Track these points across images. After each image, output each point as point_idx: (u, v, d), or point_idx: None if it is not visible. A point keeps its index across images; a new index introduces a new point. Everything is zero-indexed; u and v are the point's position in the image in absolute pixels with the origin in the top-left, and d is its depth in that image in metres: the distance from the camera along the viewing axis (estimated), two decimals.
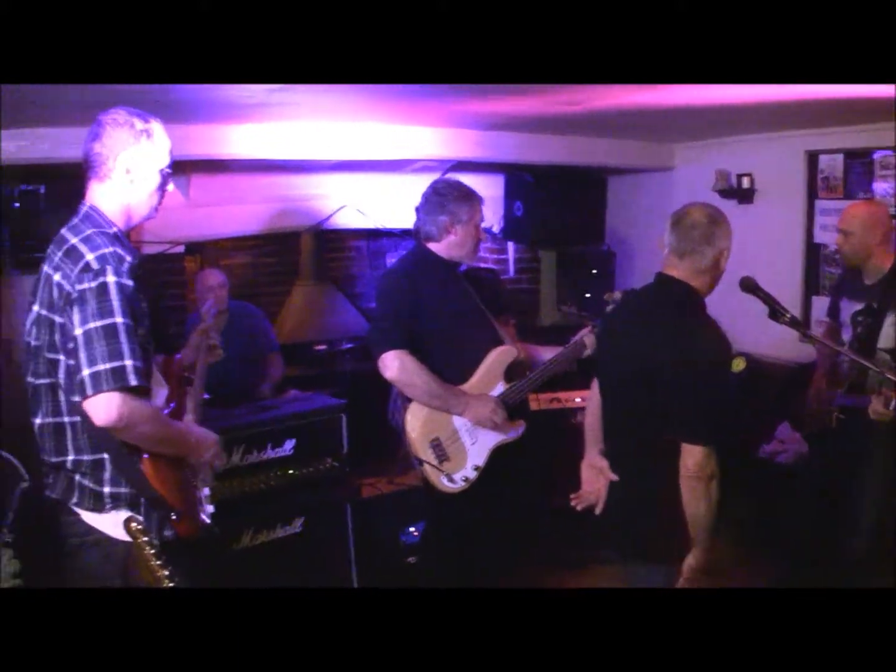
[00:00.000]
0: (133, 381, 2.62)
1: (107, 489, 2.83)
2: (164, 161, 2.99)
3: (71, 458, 2.83)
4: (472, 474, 4.16)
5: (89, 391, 2.60)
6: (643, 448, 3.28)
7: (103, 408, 2.61)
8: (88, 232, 2.80)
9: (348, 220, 6.68)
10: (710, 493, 3.09)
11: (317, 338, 7.40)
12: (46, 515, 2.99)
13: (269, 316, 6.61)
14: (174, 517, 2.83)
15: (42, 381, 2.85)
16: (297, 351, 7.21)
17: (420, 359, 4.07)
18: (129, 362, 2.62)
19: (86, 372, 2.60)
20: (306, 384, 6.17)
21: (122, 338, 2.63)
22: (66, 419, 2.86)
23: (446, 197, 4.22)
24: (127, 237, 2.96)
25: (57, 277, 2.73)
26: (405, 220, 4.40)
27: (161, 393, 3.03)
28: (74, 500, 2.86)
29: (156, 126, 2.99)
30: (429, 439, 4.11)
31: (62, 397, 2.84)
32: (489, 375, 4.24)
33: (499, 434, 4.22)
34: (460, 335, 4.19)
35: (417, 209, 4.31)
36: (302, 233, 7.02)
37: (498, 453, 4.26)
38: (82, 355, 2.62)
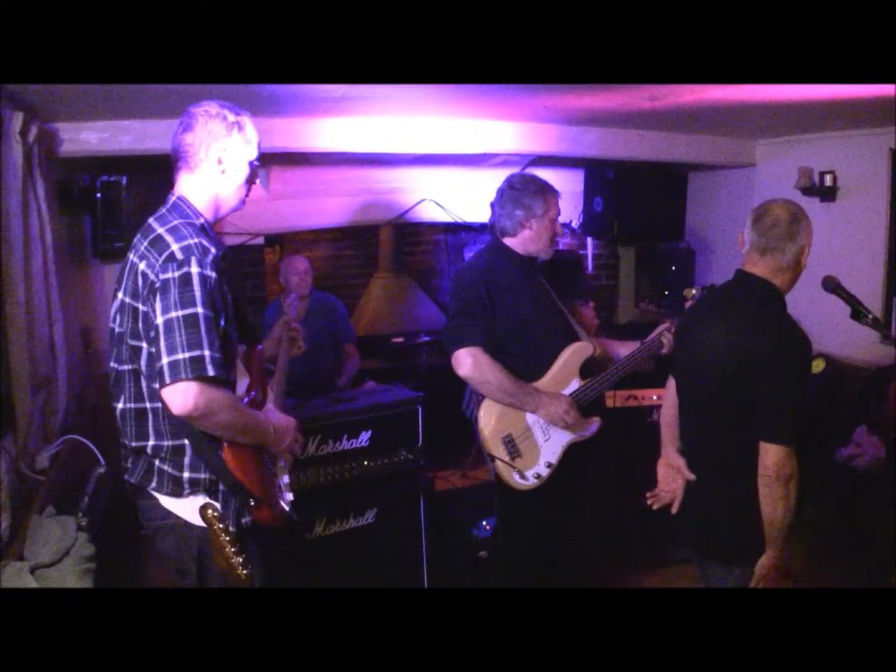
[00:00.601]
0: (211, 371, 2.63)
1: (186, 474, 2.86)
2: (254, 154, 3.01)
3: (151, 442, 2.85)
4: (545, 471, 4.11)
5: (167, 379, 2.62)
6: (720, 447, 3.23)
7: (180, 396, 2.63)
8: (175, 222, 2.81)
9: (428, 213, 6.67)
10: (787, 493, 3.05)
11: (394, 331, 7.46)
12: (124, 499, 3.02)
13: (347, 308, 6.61)
14: (252, 504, 2.83)
15: (125, 366, 2.87)
16: (375, 343, 7.32)
17: (494, 355, 4.01)
18: (207, 352, 2.63)
19: (165, 360, 2.62)
20: (383, 377, 6.18)
21: (203, 328, 2.64)
22: (147, 405, 2.88)
23: (521, 191, 4.17)
24: (212, 228, 2.98)
25: (142, 266, 2.75)
26: (484, 214, 4.32)
27: (243, 382, 3.04)
28: (153, 484, 2.88)
29: (246, 119, 3.02)
30: (501, 435, 4.05)
31: (144, 383, 2.85)
32: (564, 372, 4.18)
33: (573, 431, 4.16)
34: (535, 331, 4.12)
35: (493, 204, 4.28)
36: (382, 226, 7.04)
37: (572, 450, 4.19)
38: (162, 344, 2.63)
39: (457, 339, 3.96)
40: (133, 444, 2.89)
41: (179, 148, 2.96)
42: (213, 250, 2.75)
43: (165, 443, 2.85)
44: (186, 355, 2.61)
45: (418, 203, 6.59)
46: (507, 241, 4.22)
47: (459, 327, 3.99)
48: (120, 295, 2.85)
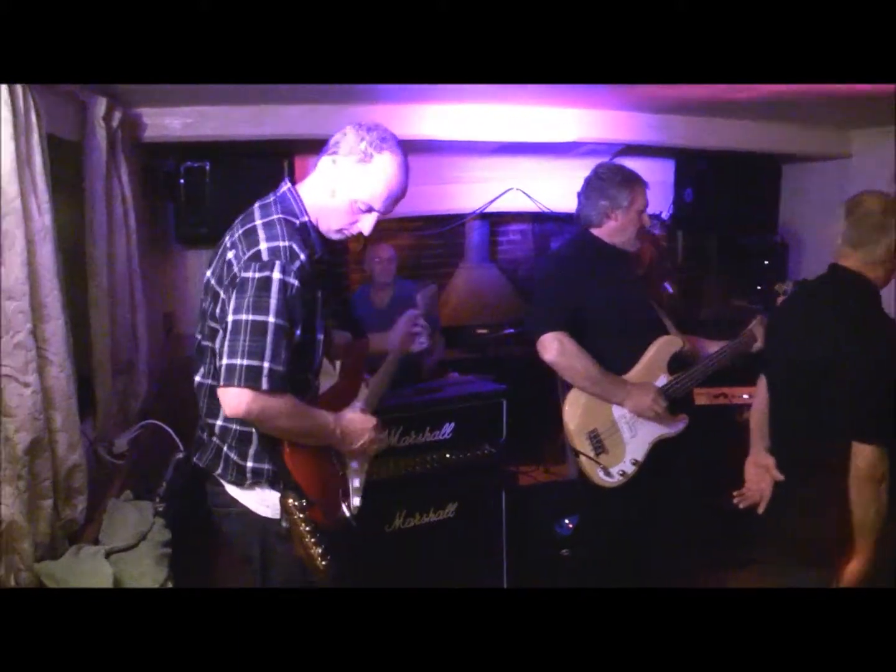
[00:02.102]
0: (265, 385, 2.59)
1: (250, 464, 2.83)
2: (362, 195, 2.86)
3: (220, 423, 2.83)
4: (630, 469, 4.03)
5: (222, 381, 2.61)
6: (811, 447, 3.18)
7: (233, 401, 2.62)
8: (274, 217, 2.75)
9: (515, 203, 6.55)
10: (880, 495, 3.00)
11: (478, 321, 7.41)
12: (199, 484, 3.04)
13: None
14: (306, 504, 2.78)
15: (206, 342, 2.84)
16: (459, 334, 7.29)
17: (580, 345, 3.97)
18: (267, 364, 2.59)
19: (224, 361, 2.60)
20: (466, 368, 6.12)
21: (269, 338, 2.59)
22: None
23: (607, 182, 4.11)
24: (316, 228, 2.87)
25: (230, 255, 2.72)
26: (571, 204, 4.23)
27: (328, 382, 2.99)
28: (219, 471, 2.87)
29: (381, 157, 2.88)
30: (586, 430, 3.99)
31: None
32: (652, 366, 4.11)
33: (659, 427, 4.08)
34: (622, 323, 4.06)
35: (579, 194, 4.21)
36: (467, 215, 6.98)
37: (658, 448, 4.12)
38: (226, 343, 2.61)
39: (542, 324, 3.93)
40: (206, 419, 2.88)
41: (335, 140, 2.89)
42: (301, 257, 2.65)
43: (233, 426, 2.81)
44: (245, 362, 2.58)
45: (505, 192, 6.47)
46: (594, 231, 4.15)
47: (546, 312, 3.97)
48: (208, 273, 2.83)
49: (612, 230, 4.14)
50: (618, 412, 4.05)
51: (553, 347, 3.89)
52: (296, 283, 2.62)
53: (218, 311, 2.72)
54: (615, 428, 4.04)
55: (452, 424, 4.77)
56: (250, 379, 2.56)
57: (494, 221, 7.89)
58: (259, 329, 2.58)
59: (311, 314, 2.72)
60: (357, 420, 2.94)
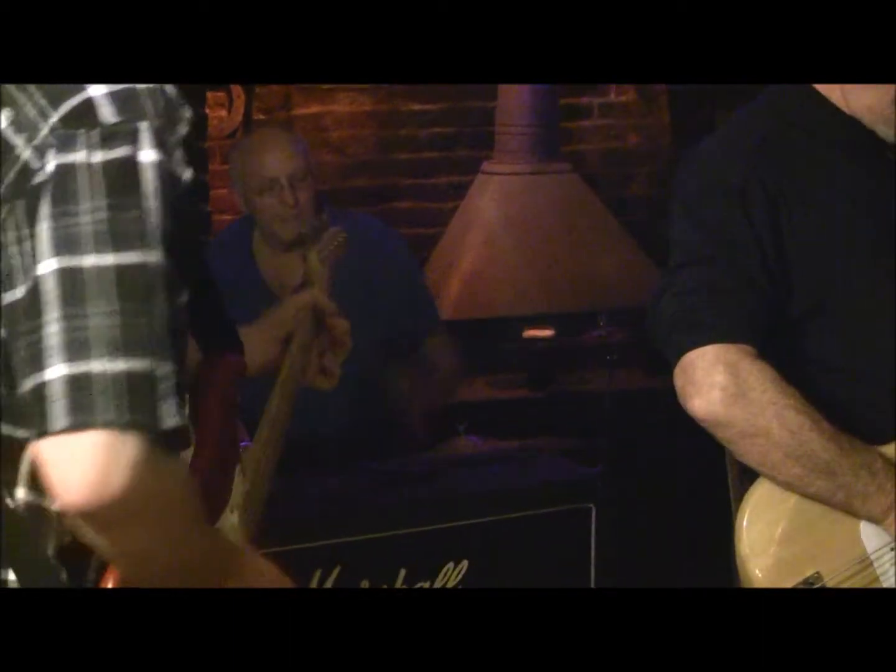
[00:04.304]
0: (167, 421, 1.65)
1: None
2: None
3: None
4: None
5: (49, 422, 1.56)
6: None
7: (83, 469, 1.64)
8: None
9: None
10: None
11: (530, 308, 5.20)
12: None
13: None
14: None
15: None
16: (485, 337, 5.08)
17: (785, 371, 2.44)
18: (159, 366, 1.63)
19: (48, 373, 1.55)
20: (502, 420, 4.61)
21: (154, 301, 1.67)
22: None
23: None
24: None
25: (8, 135, 1.81)
26: None
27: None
28: None
29: None
30: (793, 579, 2.47)
31: None
32: None
33: None
34: (893, 313, 2.52)
35: None
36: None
37: None
38: (48, 328, 1.65)
39: (693, 324, 2.49)
40: None
41: None
42: (187, 115, 1.76)
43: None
44: (109, 367, 1.67)
45: None
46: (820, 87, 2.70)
47: (702, 295, 2.53)
48: None
49: (860, 86, 2.60)
50: (876, 536, 2.51)
51: (714, 381, 2.44)
52: (187, 172, 1.58)
53: None
54: (869, 575, 2.53)
55: (464, 565, 3.33)
56: (138, 405, 1.48)
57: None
58: (137, 281, 1.53)
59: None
60: (272, 573, 1.81)
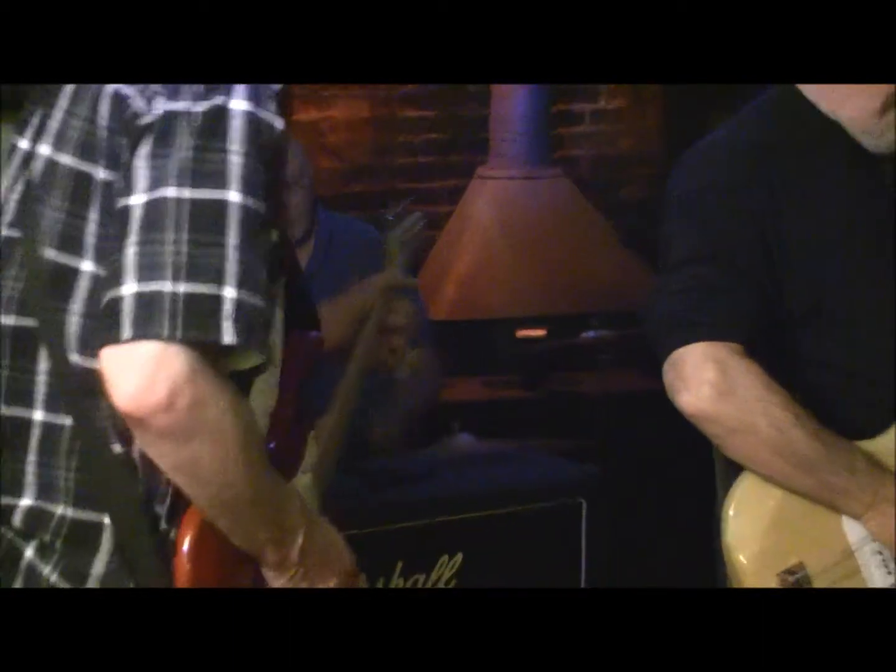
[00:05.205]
0: (228, 336, 1.79)
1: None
2: None
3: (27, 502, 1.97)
4: None
5: (123, 330, 1.72)
6: None
7: (145, 372, 1.79)
8: None
9: None
10: None
11: (522, 310, 5.40)
12: None
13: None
14: None
15: (65, 261, 2.02)
16: (477, 339, 5.36)
17: (773, 369, 2.46)
18: (231, 291, 1.79)
19: (124, 288, 1.71)
20: (493, 419, 4.75)
21: (233, 235, 1.78)
22: None
23: None
24: None
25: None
26: None
27: None
28: None
29: None
30: (777, 568, 2.49)
31: None
32: None
33: None
34: (878, 314, 2.57)
35: None
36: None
37: None
38: (130, 249, 1.82)
39: (684, 322, 2.52)
40: None
41: None
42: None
43: (59, 511, 1.91)
44: (182, 288, 1.77)
45: None
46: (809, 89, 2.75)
47: (693, 294, 2.56)
48: (25, 144, 2.07)
49: (844, 95, 2.64)
50: (858, 528, 2.55)
51: (705, 379, 2.46)
52: (278, 122, 1.71)
53: (75, 206, 1.76)
54: (851, 566, 2.56)
55: (459, 558, 3.39)
56: (195, 323, 1.59)
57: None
58: (212, 217, 1.65)
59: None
60: (339, 543, 1.92)
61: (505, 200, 5.43)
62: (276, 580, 1.84)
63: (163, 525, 1.70)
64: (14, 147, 1.85)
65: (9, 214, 1.82)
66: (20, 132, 1.84)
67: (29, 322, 1.74)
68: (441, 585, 3.41)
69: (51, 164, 1.77)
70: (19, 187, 1.82)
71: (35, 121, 1.84)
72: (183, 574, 1.75)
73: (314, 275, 3.61)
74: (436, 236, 5.42)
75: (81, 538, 1.69)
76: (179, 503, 1.72)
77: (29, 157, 1.82)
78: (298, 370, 2.09)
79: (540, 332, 5.12)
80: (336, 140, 5.53)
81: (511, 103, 5.43)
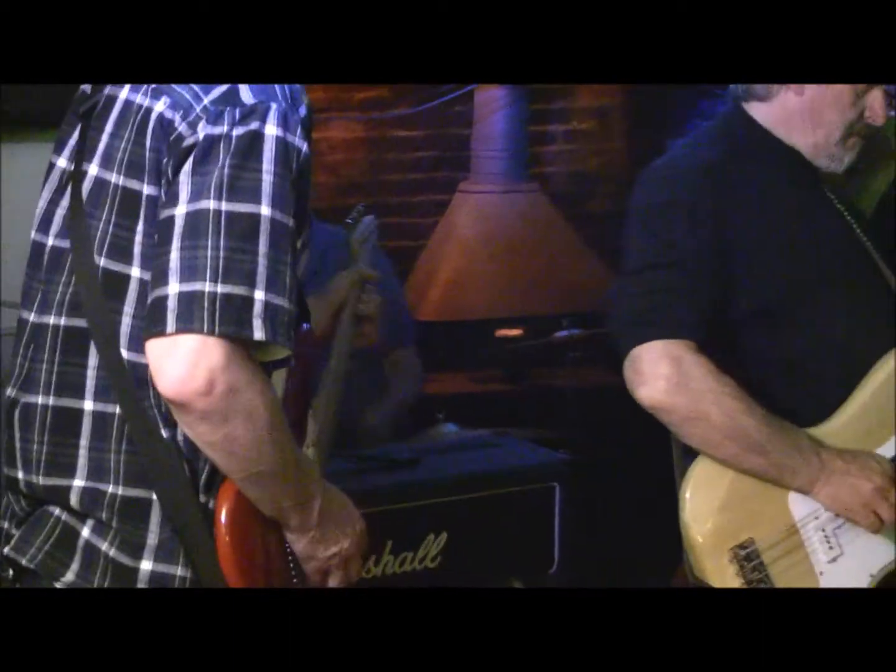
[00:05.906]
0: (260, 333, 2.00)
1: (144, 565, 2.09)
2: None
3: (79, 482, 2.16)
4: None
5: (168, 324, 1.92)
6: None
7: (187, 360, 1.95)
8: None
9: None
10: None
11: (502, 311, 5.72)
12: None
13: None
14: None
15: (116, 266, 2.21)
16: (459, 338, 5.64)
17: (724, 363, 2.64)
18: (261, 295, 1.97)
19: (171, 287, 1.88)
20: (476, 411, 4.93)
21: (264, 245, 1.93)
22: None
23: None
24: None
25: (161, 107, 2.05)
26: None
27: None
28: (68, 577, 2.09)
29: None
30: (731, 543, 2.65)
31: None
32: (879, 411, 2.72)
33: (889, 547, 2.76)
34: (819, 314, 2.75)
35: None
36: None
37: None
38: (173, 254, 1.98)
39: (642, 322, 2.70)
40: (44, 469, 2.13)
41: None
42: (304, 101, 2.10)
43: (110, 489, 2.03)
44: (219, 289, 1.93)
45: None
46: (757, 110, 2.85)
47: (651, 297, 2.73)
48: (62, 162, 2.25)
49: (791, 113, 2.82)
50: (802, 507, 2.70)
51: (660, 374, 2.64)
52: (304, 146, 1.92)
53: (122, 219, 1.94)
54: (795, 541, 2.72)
55: (444, 537, 3.45)
56: (230, 320, 1.77)
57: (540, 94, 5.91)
58: (245, 228, 1.82)
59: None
60: (350, 506, 2.16)
61: (485, 213, 5.73)
62: (298, 542, 2.03)
63: (202, 497, 1.84)
64: (52, 165, 2.03)
65: (55, 226, 1.97)
66: (58, 152, 2.02)
67: (79, 322, 1.88)
68: (428, 562, 3.49)
69: (99, 182, 1.93)
70: (65, 202, 1.97)
71: (71, 142, 2.01)
72: (222, 538, 1.91)
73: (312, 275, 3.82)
74: (423, 245, 5.82)
75: (134, 513, 1.83)
76: (215, 477, 1.85)
77: (73, 175, 1.97)
78: (298, 358, 2.24)
79: (517, 332, 5.41)
80: (333, 158, 5.71)
81: (491, 124, 5.76)
